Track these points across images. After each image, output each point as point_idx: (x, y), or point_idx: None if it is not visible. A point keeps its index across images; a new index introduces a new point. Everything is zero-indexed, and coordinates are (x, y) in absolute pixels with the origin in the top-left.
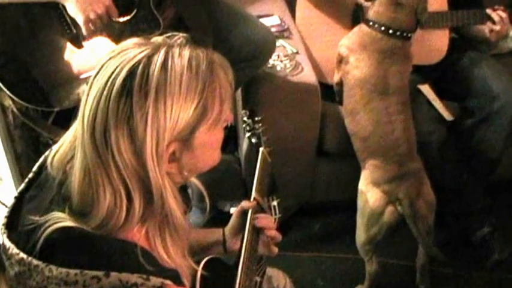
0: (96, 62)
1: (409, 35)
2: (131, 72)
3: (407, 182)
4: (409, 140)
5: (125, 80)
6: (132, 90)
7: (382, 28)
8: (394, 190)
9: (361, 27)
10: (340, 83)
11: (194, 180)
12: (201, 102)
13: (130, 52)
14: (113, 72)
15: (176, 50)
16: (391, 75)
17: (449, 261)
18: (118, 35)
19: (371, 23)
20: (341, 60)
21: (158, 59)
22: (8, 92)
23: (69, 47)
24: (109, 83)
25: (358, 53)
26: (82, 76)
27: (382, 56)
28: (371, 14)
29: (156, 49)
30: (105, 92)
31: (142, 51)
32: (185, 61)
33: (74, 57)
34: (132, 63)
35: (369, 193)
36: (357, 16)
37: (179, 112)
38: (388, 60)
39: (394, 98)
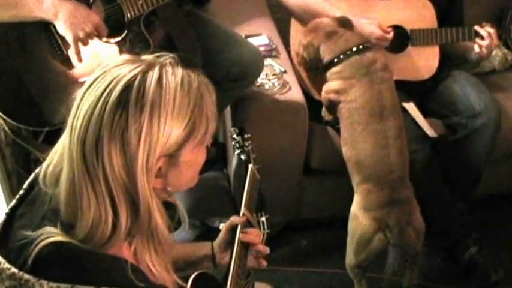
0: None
1: (368, 44)
2: (127, 86)
3: (399, 209)
4: (403, 166)
5: (121, 93)
6: (128, 103)
7: (348, 52)
8: (384, 217)
9: (331, 71)
10: (334, 118)
11: (175, 199)
12: (191, 120)
13: (125, 68)
14: (107, 86)
15: (169, 69)
16: (384, 95)
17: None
18: None
19: (336, 60)
20: (331, 105)
21: (153, 75)
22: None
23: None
24: (104, 95)
25: (348, 88)
26: (81, 80)
27: (369, 77)
28: (328, 56)
29: (150, 66)
30: (99, 105)
31: (136, 67)
32: (179, 79)
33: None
34: (128, 77)
35: (360, 218)
36: None
37: (172, 128)
38: (376, 80)
39: (391, 120)
